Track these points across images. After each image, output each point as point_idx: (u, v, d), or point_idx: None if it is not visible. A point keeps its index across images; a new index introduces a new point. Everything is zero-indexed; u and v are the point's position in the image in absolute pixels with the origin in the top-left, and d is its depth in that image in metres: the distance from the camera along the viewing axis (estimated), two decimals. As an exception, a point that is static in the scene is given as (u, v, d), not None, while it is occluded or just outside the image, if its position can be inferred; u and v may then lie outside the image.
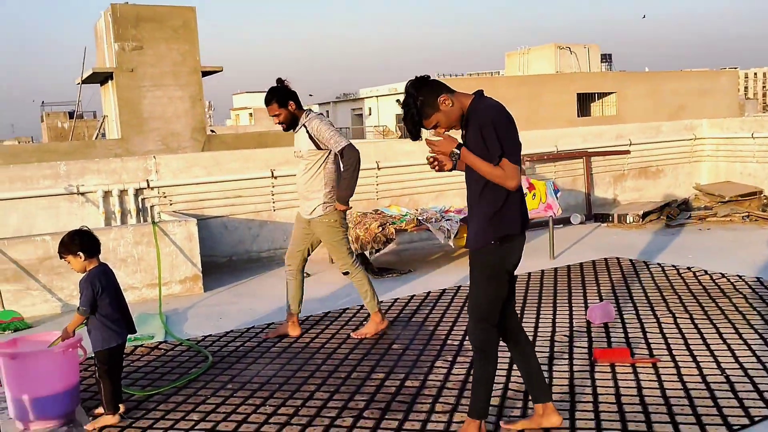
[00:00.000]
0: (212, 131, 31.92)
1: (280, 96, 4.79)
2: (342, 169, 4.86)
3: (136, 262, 6.32)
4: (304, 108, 4.93)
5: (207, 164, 7.59)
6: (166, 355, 4.75)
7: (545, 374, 4.04)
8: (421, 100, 3.06)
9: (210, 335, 5.16)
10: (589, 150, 9.87)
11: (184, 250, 6.52)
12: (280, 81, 4.85)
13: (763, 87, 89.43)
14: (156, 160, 7.35)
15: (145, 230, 6.37)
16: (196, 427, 3.56)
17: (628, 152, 10.17)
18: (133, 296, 6.20)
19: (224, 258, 7.56)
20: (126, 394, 3.95)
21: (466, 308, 5.49)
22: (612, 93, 33.83)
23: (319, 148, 4.81)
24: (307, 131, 4.82)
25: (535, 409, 3.38)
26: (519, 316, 5.22)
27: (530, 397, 3.46)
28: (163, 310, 5.79)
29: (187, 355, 4.73)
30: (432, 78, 3.16)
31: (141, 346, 4.94)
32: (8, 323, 5.60)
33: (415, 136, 3.15)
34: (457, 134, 3.23)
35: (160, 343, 5.03)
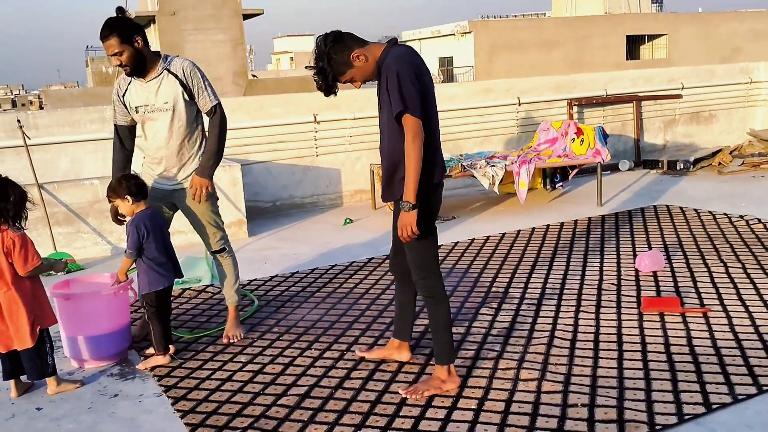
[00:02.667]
0: (254, 76, 31.87)
1: (123, 29, 3.65)
2: (206, 133, 4.00)
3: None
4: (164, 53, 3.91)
5: (250, 109, 7.57)
6: (213, 299, 4.83)
7: (592, 323, 4.00)
8: (334, 58, 3.02)
9: (255, 279, 5.23)
10: (640, 94, 9.55)
11: (229, 194, 6.56)
12: (120, 10, 3.78)
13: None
14: (199, 105, 7.34)
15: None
16: (243, 369, 3.63)
17: (680, 96, 9.82)
18: (180, 240, 6.27)
19: (268, 203, 7.60)
20: (175, 335, 4.04)
21: (512, 255, 5.44)
22: (663, 35, 32.60)
23: (192, 99, 3.90)
24: (177, 77, 3.83)
25: (392, 342, 3.59)
26: (566, 262, 5.18)
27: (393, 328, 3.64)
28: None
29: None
30: (343, 32, 3.08)
31: (188, 289, 5.03)
32: (60, 265, 5.75)
33: (328, 92, 3.10)
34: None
35: (207, 286, 5.11)
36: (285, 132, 7.65)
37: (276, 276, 5.28)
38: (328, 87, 3.09)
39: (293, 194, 7.72)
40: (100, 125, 6.98)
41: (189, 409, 3.22)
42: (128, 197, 3.67)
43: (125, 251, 3.70)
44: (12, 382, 3.46)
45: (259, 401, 3.26)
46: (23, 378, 3.49)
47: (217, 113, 3.94)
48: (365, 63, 3.06)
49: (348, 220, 6.97)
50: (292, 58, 55.42)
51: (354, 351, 3.77)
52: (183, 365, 3.71)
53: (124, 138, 4.09)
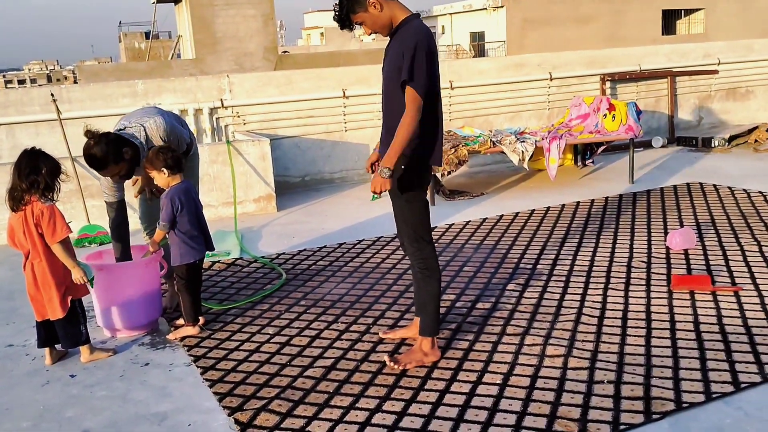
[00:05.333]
0: (284, 51, 31.83)
1: (110, 152, 3.70)
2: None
3: (212, 181, 6.45)
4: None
5: (280, 83, 7.58)
6: (241, 272, 4.89)
7: (621, 300, 3.97)
8: None
9: (283, 253, 5.27)
10: (674, 70, 9.35)
11: (258, 169, 6.60)
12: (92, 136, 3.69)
13: None
14: (230, 80, 7.38)
15: (220, 149, 6.46)
16: (271, 341, 3.67)
17: (716, 72, 9.59)
18: (209, 214, 6.35)
19: (297, 178, 7.64)
20: (205, 307, 4.10)
21: (541, 231, 5.41)
22: (700, 9, 31.77)
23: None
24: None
25: (414, 321, 3.50)
26: (596, 239, 5.13)
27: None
28: (238, 228, 5.92)
29: (262, 272, 4.84)
30: None
31: (218, 262, 5.09)
32: (94, 237, 5.86)
33: (342, 25, 3.14)
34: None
35: (236, 259, 5.17)
36: (314, 107, 7.65)
37: (304, 250, 5.32)
38: (341, 19, 3.15)
39: (322, 169, 7.74)
40: (131, 99, 7.05)
41: (217, 379, 3.28)
42: (164, 170, 3.71)
43: (158, 223, 3.75)
44: (47, 350, 3.55)
45: (286, 372, 3.30)
46: (58, 346, 3.58)
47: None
48: (379, 13, 3.08)
49: (376, 196, 6.96)
50: (322, 34, 55.19)
51: (378, 326, 3.79)
52: (212, 336, 3.78)
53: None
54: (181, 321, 3.88)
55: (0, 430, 2.98)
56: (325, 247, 5.37)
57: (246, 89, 7.43)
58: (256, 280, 4.67)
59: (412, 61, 2.98)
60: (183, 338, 3.75)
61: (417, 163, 3.16)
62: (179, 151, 3.92)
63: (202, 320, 3.85)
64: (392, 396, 3.04)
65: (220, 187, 6.47)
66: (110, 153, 3.70)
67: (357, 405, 2.98)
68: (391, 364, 3.28)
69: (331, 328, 3.81)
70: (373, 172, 3.47)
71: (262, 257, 5.16)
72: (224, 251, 5.29)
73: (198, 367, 3.42)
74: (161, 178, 3.73)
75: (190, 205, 3.75)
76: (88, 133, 3.70)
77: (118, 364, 3.52)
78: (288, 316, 4.01)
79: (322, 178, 7.74)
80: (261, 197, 6.62)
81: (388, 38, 3.19)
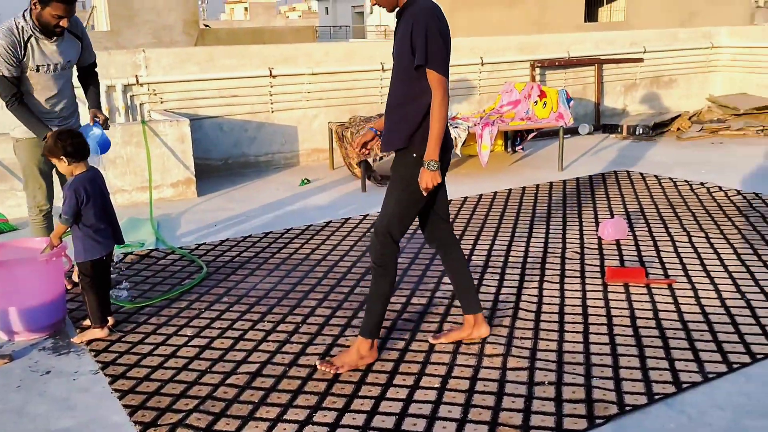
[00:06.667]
0: (206, 26, 30.77)
1: None
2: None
3: (125, 164, 6.01)
4: None
5: (200, 60, 7.15)
6: (157, 264, 4.53)
7: (557, 294, 3.86)
8: None
9: (204, 243, 4.94)
10: (602, 57, 9.40)
11: (176, 151, 6.20)
12: None
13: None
14: (146, 54, 6.90)
15: (134, 129, 6.03)
16: (189, 344, 3.37)
17: (641, 60, 9.70)
18: (123, 199, 5.94)
19: (219, 161, 7.25)
20: (115, 305, 3.75)
21: (474, 219, 5.27)
22: (621, -3, 32.59)
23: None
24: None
25: (466, 320, 3.30)
26: (529, 228, 5.03)
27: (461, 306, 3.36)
28: (154, 215, 5.54)
29: (180, 265, 4.51)
30: None
31: (131, 253, 4.71)
32: (-9, 225, 5.36)
33: None
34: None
35: (152, 250, 4.80)
36: (238, 86, 7.27)
37: (227, 240, 5.00)
38: None
39: (246, 152, 7.38)
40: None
41: (128, 389, 2.97)
42: (63, 158, 3.35)
43: (60, 216, 3.38)
44: (-69, 356, 3.15)
45: (206, 380, 3.02)
46: (-56, 352, 3.18)
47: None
48: None
49: (305, 181, 6.70)
50: (246, 8, 53.79)
51: (308, 324, 3.55)
52: (123, 339, 3.44)
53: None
54: (87, 322, 3.52)
55: None
56: (250, 236, 5.06)
57: (163, 65, 6.97)
58: (173, 274, 4.33)
59: (426, 43, 2.86)
60: (90, 342, 3.40)
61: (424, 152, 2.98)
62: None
63: (111, 321, 3.51)
64: (324, 405, 2.81)
65: (134, 170, 6.04)
66: None
67: (285, 417, 2.74)
68: (323, 367, 3.06)
69: (256, 328, 3.53)
70: (363, 150, 3.31)
71: (180, 248, 4.82)
72: (138, 241, 4.91)
73: (106, 375, 3.09)
74: (62, 167, 3.38)
75: (96, 195, 3.39)
76: None
77: (14, 373, 3.15)
78: (208, 315, 3.70)
79: (246, 162, 7.38)
80: (179, 181, 6.23)
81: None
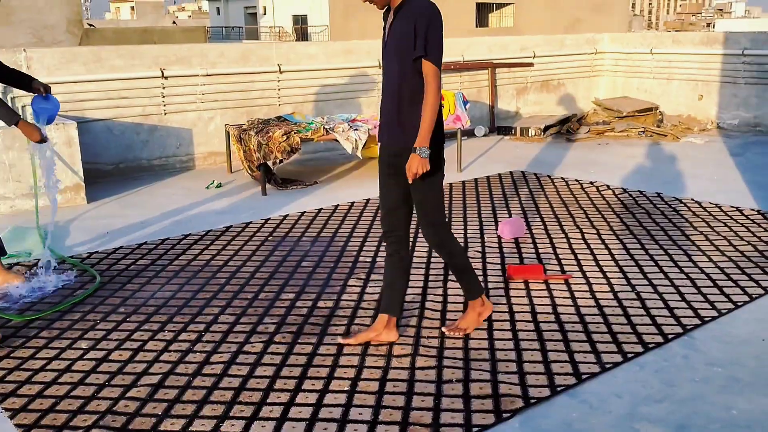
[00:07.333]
0: (90, 25, 29.42)
1: None
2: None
3: (7, 170, 5.64)
4: None
5: (87, 60, 6.81)
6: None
7: (460, 292, 3.92)
8: None
9: (96, 252, 4.70)
10: (495, 61, 9.69)
11: (64, 156, 5.88)
12: None
13: (650, 4, 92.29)
14: (27, 54, 6.51)
15: (16, 133, 5.63)
16: (85, 357, 3.20)
17: (531, 65, 10.08)
18: (6, 208, 5.57)
19: (110, 165, 6.94)
20: (1, 319, 3.50)
21: (377, 222, 5.29)
22: (510, 4, 33.75)
23: None
24: None
25: (379, 318, 3.33)
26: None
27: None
28: (41, 223, 5.21)
29: (71, 275, 4.27)
30: None
31: (17, 264, 4.42)
32: None
33: None
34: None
35: (39, 260, 4.51)
36: (128, 87, 6.98)
37: (121, 248, 4.78)
38: None
39: (139, 156, 7.10)
40: None
41: (20, 407, 2.77)
42: None
43: None
44: None
45: (105, 394, 2.87)
46: None
47: None
48: None
49: (218, 185, 6.51)
50: (133, 8, 51.86)
51: (211, 332, 3.45)
52: (11, 355, 3.22)
53: None
54: (-30, 339, 3.27)
55: None
56: (145, 243, 4.86)
57: (47, 65, 6.59)
58: (64, 285, 4.10)
59: (427, 36, 2.99)
60: (-27, 360, 3.16)
61: (437, 143, 3.13)
62: None
63: (-2, 337, 3.28)
64: (231, 414, 2.73)
65: (17, 176, 5.67)
66: None
67: (191, 428, 2.63)
68: (451, 332, 3.36)
69: (156, 338, 3.39)
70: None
71: (71, 257, 4.56)
72: (24, 251, 4.61)
73: (-7, 395, 2.88)
74: None
75: None
76: None
77: None
78: (104, 327, 3.52)
79: (139, 166, 7.10)
80: (67, 188, 5.91)
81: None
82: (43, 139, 3.95)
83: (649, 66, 10.31)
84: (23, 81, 4.08)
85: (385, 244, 3.36)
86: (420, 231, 3.47)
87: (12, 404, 2.80)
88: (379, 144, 3.32)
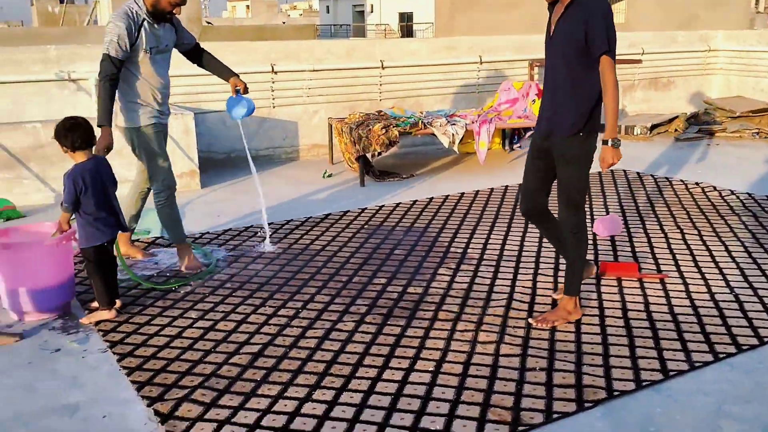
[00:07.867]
0: (208, 23, 30.86)
1: None
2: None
3: (131, 155, 6.09)
4: None
5: (204, 55, 7.23)
6: (163, 252, 4.64)
7: (550, 286, 3.97)
8: None
9: (208, 232, 5.04)
10: (601, 58, 9.48)
11: (181, 144, 6.30)
12: None
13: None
14: (151, 49, 6.99)
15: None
16: (194, 325, 3.49)
17: (639, 62, 9.80)
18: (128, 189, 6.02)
19: (222, 154, 7.36)
20: (123, 288, 3.86)
21: (470, 215, 5.37)
22: (621, 0, 32.71)
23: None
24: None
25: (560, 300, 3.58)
26: (524, 223, 5.13)
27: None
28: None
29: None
30: None
31: (137, 240, 4.82)
32: (0, 212, 5.46)
33: None
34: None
35: (157, 238, 4.91)
36: (241, 81, 7.35)
37: (230, 229, 5.11)
38: None
39: (248, 146, 7.46)
40: (42, 66, 6.60)
41: (135, 366, 3.08)
42: (69, 149, 3.47)
43: (61, 204, 3.49)
44: (-56, 334, 3.25)
45: (210, 359, 3.14)
46: (-44, 330, 3.29)
47: None
48: None
49: (329, 174, 6.80)
50: (248, 6, 53.88)
51: (308, 310, 3.66)
52: (130, 320, 3.56)
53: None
54: (95, 304, 3.63)
55: None
56: (251, 226, 5.17)
57: (171, 59, 7.04)
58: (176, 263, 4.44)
59: (608, 30, 3.15)
60: (98, 322, 3.51)
61: (595, 129, 3.36)
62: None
63: (118, 303, 3.62)
64: (322, 384, 2.92)
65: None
66: None
67: (286, 394, 2.85)
68: (539, 324, 3.41)
69: (258, 312, 3.65)
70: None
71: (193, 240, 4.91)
72: (144, 229, 5.02)
73: (114, 353, 3.20)
74: (65, 154, 3.50)
75: (95, 185, 3.49)
76: None
77: (24, 351, 3.25)
78: (212, 299, 3.82)
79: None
80: (184, 173, 6.34)
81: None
82: (108, 148, 3.90)
83: (767, 65, 9.81)
84: (224, 72, 4.58)
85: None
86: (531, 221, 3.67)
87: (129, 363, 3.11)
88: (534, 131, 3.54)
